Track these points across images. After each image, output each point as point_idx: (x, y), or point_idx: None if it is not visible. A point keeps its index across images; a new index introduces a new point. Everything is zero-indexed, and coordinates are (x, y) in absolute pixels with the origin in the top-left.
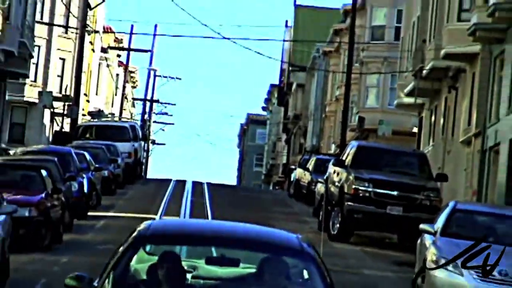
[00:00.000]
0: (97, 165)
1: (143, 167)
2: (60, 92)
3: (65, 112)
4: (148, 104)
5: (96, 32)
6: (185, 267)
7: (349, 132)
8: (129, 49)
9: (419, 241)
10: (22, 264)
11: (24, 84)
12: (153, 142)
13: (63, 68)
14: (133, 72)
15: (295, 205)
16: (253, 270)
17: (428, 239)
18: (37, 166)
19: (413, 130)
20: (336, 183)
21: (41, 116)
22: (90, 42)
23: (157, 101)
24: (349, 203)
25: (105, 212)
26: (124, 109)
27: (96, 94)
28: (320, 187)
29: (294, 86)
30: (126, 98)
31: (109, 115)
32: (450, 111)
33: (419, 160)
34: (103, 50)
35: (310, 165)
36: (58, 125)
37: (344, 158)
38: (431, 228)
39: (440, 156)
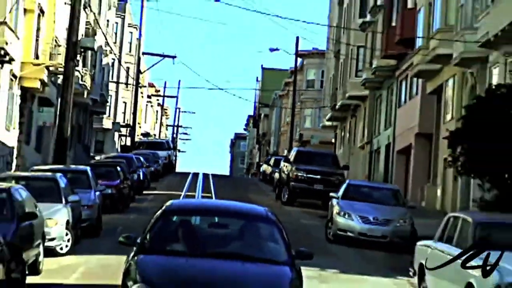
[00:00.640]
0: (147, 164)
1: (174, 165)
2: (124, 122)
3: (127, 134)
4: (175, 128)
5: (144, 86)
6: (195, 229)
7: (294, 143)
8: (164, 96)
9: (330, 203)
10: (108, 219)
11: (103, 118)
12: (179, 151)
13: (125, 108)
14: (166, 109)
15: (262, 185)
16: (237, 230)
17: (334, 201)
18: (115, 165)
19: (332, 141)
20: (285, 172)
21: (113, 136)
22: (141, 92)
23: (181, 126)
24: (292, 183)
25: (152, 191)
26: (161, 132)
27: (145, 122)
28: (276, 175)
29: (262, 116)
30: (162, 124)
31: (153, 135)
32: (352, 129)
33: (332, 158)
34: (148, 97)
35: (271, 162)
36: (122, 141)
37: (289, 157)
38: (336, 195)
39: (347, 155)
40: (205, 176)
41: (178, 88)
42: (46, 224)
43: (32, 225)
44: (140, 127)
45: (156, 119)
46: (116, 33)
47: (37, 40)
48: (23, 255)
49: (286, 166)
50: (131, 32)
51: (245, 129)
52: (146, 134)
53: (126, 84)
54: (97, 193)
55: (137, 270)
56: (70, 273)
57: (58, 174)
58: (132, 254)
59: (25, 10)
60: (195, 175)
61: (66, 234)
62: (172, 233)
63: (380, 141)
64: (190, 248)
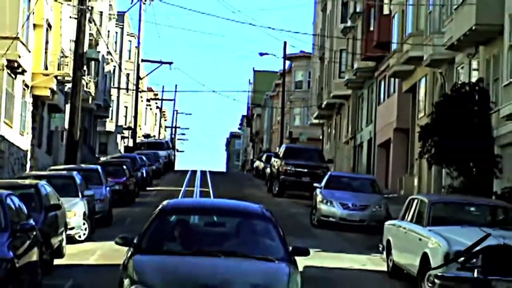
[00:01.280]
0: (149, 163)
1: (173, 163)
2: (126, 125)
3: (129, 136)
4: (173, 129)
5: (144, 91)
6: (191, 228)
7: (285, 140)
8: (162, 99)
9: (314, 192)
10: (117, 212)
11: (105, 121)
12: (177, 150)
13: (126, 111)
14: (164, 112)
15: (255, 180)
16: (234, 228)
17: (318, 191)
18: (121, 163)
19: (319, 137)
20: (275, 167)
21: (115, 138)
22: (141, 97)
23: (178, 127)
24: (282, 176)
25: (155, 187)
26: (160, 133)
27: (145, 124)
28: (268, 170)
29: (255, 116)
30: (161, 126)
31: (153, 136)
32: (337, 126)
33: (318, 153)
34: (148, 101)
35: (263, 158)
36: (124, 143)
37: (279, 153)
38: (319, 185)
39: (333, 150)
40: (203, 173)
41: (175, 91)
42: (66, 215)
43: (56, 215)
44: (140, 129)
45: (155, 121)
46: (116, 42)
47: (46, 52)
48: (51, 241)
49: (276, 161)
50: (130, 41)
51: (239, 128)
52: (147, 136)
53: (127, 89)
54: (108, 188)
55: (133, 271)
56: (88, 256)
57: (75, 172)
58: (128, 254)
59: (34, 25)
60: (193, 172)
61: (83, 224)
62: (168, 232)
63: (363, 136)
64: (186, 247)
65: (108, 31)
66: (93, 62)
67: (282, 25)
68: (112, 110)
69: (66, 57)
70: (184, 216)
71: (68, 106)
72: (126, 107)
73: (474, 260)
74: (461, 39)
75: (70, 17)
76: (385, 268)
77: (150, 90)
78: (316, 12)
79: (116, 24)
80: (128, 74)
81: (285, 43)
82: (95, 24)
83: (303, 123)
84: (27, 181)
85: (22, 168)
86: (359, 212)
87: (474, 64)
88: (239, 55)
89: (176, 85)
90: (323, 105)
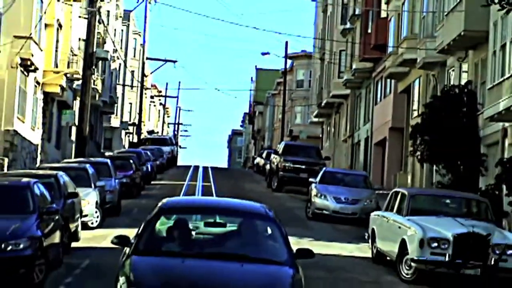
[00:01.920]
0: (154, 158)
1: (176, 159)
2: (130, 121)
3: (134, 131)
4: (176, 126)
5: (148, 88)
6: (191, 228)
7: (285, 137)
8: (165, 96)
9: (309, 187)
10: (125, 203)
11: (110, 117)
12: (180, 147)
13: (130, 108)
14: (168, 108)
15: (256, 176)
16: (235, 229)
17: (313, 186)
18: (128, 158)
19: (319, 135)
20: (275, 163)
21: (120, 134)
22: (145, 93)
23: (181, 124)
24: (281, 172)
25: (159, 181)
26: (163, 129)
27: (149, 121)
28: (268, 166)
29: (257, 113)
30: (164, 122)
31: (156, 133)
32: (336, 125)
33: (316, 150)
34: (151, 97)
35: (264, 155)
36: (129, 138)
37: (278, 150)
38: (315, 180)
39: (332, 148)
40: (205, 168)
41: (178, 89)
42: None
43: (73, 203)
44: (144, 125)
45: (159, 117)
46: (121, 40)
47: (56, 50)
48: (69, 225)
49: (275, 158)
50: (135, 39)
51: (241, 126)
52: (151, 132)
53: (131, 86)
54: (117, 181)
55: (130, 273)
56: (101, 240)
57: (87, 165)
58: (125, 255)
59: (46, 25)
60: (196, 168)
61: (96, 212)
62: (167, 233)
63: (360, 135)
64: (185, 248)
65: (115, 30)
66: (100, 61)
67: (284, 26)
68: (117, 107)
69: (75, 55)
70: (184, 216)
71: (75, 103)
72: (131, 104)
73: (446, 245)
74: (451, 44)
75: (80, 16)
76: (370, 255)
77: (154, 87)
78: (317, 13)
79: (122, 23)
80: (133, 72)
81: (286, 42)
82: (103, 25)
83: (304, 121)
84: (47, 172)
85: (33, 162)
86: (351, 205)
87: (464, 67)
88: (242, 54)
89: (179, 82)
90: (322, 104)
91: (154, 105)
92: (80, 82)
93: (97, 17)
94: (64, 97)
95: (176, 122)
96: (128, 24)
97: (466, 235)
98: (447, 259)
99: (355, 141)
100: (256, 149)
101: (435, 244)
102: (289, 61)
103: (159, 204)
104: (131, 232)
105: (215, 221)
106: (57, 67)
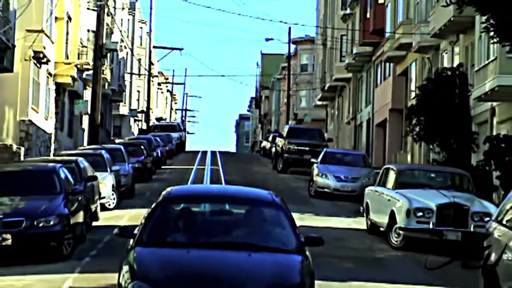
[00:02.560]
0: (163, 144)
1: (185, 144)
2: (138, 108)
3: (143, 119)
4: (183, 112)
5: (156, 76)
6: (196, 217)
7: (291, 121)
8: (173, 83)
9: (312, 167)
10: (138, 187)
11: (119, 105)
12: (188, 132)
13: (138, 95)
14: (175, 95)
15: (262, 159)
16: (242, 217)
17: (314, 166)
18: (139, 144)
19: (324, 118)
20: (279, 146)
21: (129, 121)
22: (152, 81)
23: (189, 110)
24: (285, 154)
25: (169, 165)
26: (171, 115)
27: (156, 108)
28: (273, 149)
29: (263, 98)
30: (172, 109)
31: (164, 119)
32: (339, 107)
33: (319, 132)
34: (159, 84)
35: (270, 139)
36: (138, 126)
37: (283, 133)
38: (316, 160)
39: (336, 130)
40: (213, 153)
41: (185, 75)
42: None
43: (93, 185)
44: (152, 112)
45: (166, 104)
46: (128, 29)
47: (66, 42)
48: (90, 205)
49: (280, 141)
50: (141, 27)
51: (248, 110)
52: (160, 119)
53: (139, 74)
54: (130, 165)
55: (135, 265)
56: (119, 219)
57: (103, 151)
58: (129, 246)
59: (56, 18)
60: (204, 153)
61: (112, 194)
62: (172, 223)
63: (362, 117)
64: (191, 238)
65: (121, 19)
66: (109, 52)
67: (287, 12)
68: (125, 95)
69: (85, 47)
70: (189, 205)
71: (85, 92)
72: (139, 91)
73: (430, 215)
74: (443, 29)
75: (88, 8)
76: (365, 227)
77: (161, 74)
78: None
79: (128, 12)
80: (139, 60)
81: (289, 28)
82: (111, 16)
83: (309, 104)
84: (68, 158)
85: (47, 150)
86: (350, 183)
87: (456, 50)
88: (246, 42)
89: (186, 69)
90: (326, 88)
91: (162, 92)
92: (89, 72)
93: (106, 9)
94: (75, 87)
95: (184, 108)
96: (134, 14)
97: (448, 205)
98: (431, 226)
99: (358, 123)
100: (263, 133)
101: (420, 214)
102: (293, 46)
103: (163, 193)
104: (145, 212)
105: (221, 210)
106: (67, 58)
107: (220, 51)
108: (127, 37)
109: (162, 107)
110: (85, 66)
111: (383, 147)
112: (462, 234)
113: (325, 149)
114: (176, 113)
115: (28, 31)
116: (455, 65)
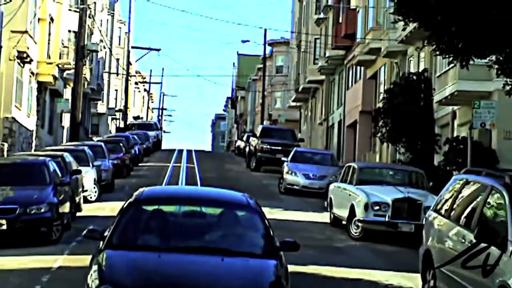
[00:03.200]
0: (140, 142)
1: (161, 143)
2: (116, 107)
3: (120, 117)
4: (160, 111)
5: (133, 76)
6: (168, 220)
7: (265, 121)
8: (150, 83)
9: (282, 165)
10: (117, 182)
11: (97, 103)
12: (164, 131)
13: (116, 94)
14: (152, 94)
15: (237, 158)
16: (215, 220)
17: (285, 164)
18: (118, 141)
19: (297, 119)
20: (253, 145)
21: (106, 120)
22: (130, 80)
23: (165, 109)
24: (258, 153)
25: (145, 163)
26: (148, 114)
27: (134, 106)
28: (247, 148)
29: (239, 98)
30: (149, 108)
31: (141, 118)
32: (313, 108)
33: (291, 132)
34: (136, 84)
35: (244, 138)
36: (116, 124)
37: (256, 133)
38: (286, 159)
39: (309, 131)
40: (189, 152)
41: (162, 75)
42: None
43: (77, 179)
44: (129, 111)
45: (143, 103)
46: (107, 29)
47: (48, 43)
48: (75, 197)
49: (254, 140)
50: (120, 28)
51: (224, 110)
52: (137, 117)
53: (117, 73)
54: (110, 161)
55: (103, 268)
56: (100, 211)
57: (86, 147)
58: (98, 249)
59: (39, 19)
60: (180, 151)
61: (94, 188)
62: (144, 225)
63: (334, 118)
64: (163, 242)
65: (101, 20)
66: (90, 52)
67: (263, 14)
68: (103, 93)
69: (66, 47)
70: (161, 207)
71: (65, 91)
72: (116, 90)
73: (386, 208)
74: (408, 36)
75: (69, 9)
76: (329, 220)
77: (138, 73)
78: (294, 1)
79: (108, 12)
80: (118, 59)
81: (265, 30)
82: (92, 18)
83: (283, 105)
84: (54, 152)
85: (29, 147)
86: (318, 181)
87: (422, 56)
88: (223, 42)
89: (163, 69)
90: (300, 89)
91: (139, 91)
92: (70, 71)
93: (88, 12)
94: (56, 86)
95: (160, 107)
96: (113, 14)
97: (403, 200)
98: (387, 219)
99: (330, 124)
100: (239, 133)
101: (377, 207)
102: (269, 48)
103: (135, 193)
104: None
105: (194, 212)
106: (49, 58)
107: (196, 53)
108: (106, 36)
109: (139, 106)
110: (66, 66)
111: (354, 148)
112: (415, 226)
113: (295, 148)
114: (152, 112)
115: (12, 32)
116: (420, 70)
